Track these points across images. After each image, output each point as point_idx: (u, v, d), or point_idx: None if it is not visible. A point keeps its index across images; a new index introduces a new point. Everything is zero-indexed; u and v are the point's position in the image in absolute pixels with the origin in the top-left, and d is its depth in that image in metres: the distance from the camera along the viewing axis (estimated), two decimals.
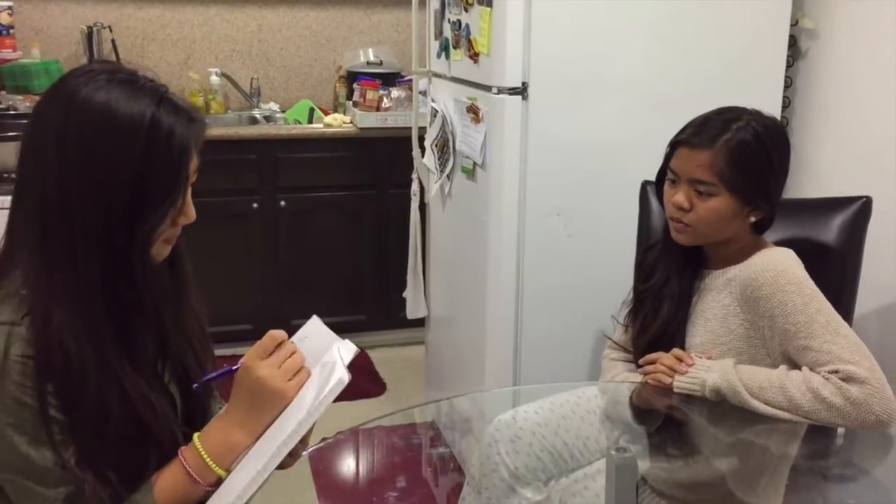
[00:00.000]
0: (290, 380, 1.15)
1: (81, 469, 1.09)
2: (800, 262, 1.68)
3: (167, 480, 1.15)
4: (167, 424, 1.18)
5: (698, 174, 1.65)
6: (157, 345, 1.21)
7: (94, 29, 3.74)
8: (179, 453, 1.15)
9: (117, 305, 1.12)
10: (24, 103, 3.47)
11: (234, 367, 1.20)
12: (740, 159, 1.63)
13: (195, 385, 1.23)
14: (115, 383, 1.10)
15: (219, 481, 1.14)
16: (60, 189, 1.08)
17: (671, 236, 1.75)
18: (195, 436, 1.16)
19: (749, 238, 1.73)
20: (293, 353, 1.17)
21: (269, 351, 1.16)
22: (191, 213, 1.18)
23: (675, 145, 1.71)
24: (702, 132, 1.66)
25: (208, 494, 1.14)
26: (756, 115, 1.68)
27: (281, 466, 1.25)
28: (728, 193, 1.64)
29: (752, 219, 1.70)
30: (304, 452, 1.29)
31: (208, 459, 1.13)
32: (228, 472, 1.14)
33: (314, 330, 1.26)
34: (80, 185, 1.08)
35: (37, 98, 3.44)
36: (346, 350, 1.18)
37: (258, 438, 1.15)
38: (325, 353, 1.19)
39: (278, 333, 1.18)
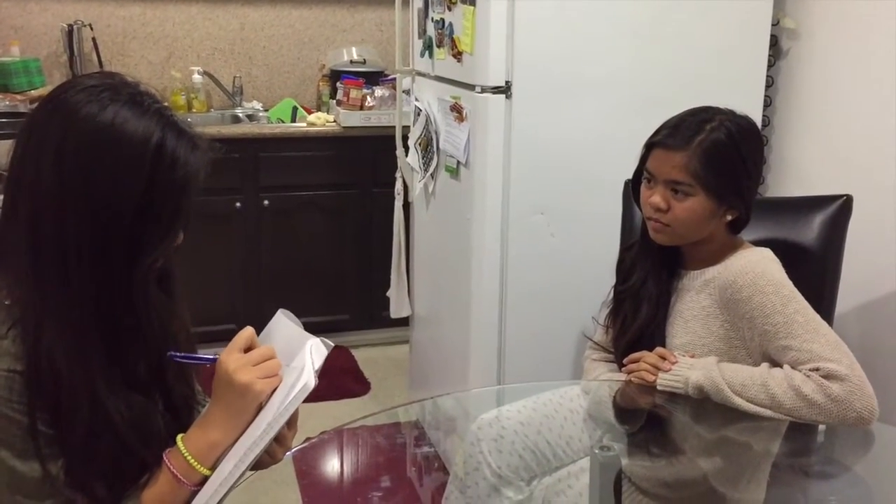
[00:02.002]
0: (264, 379, 1.13)
1: (69, 483, 1.09)
2: (778, 262, 1.69)
3: (153, 484, 1.14)
4: (157, 439, 1.18)
5: (674, 175, 1.66)
6: (148, 360, 1.20)
7: (75, 27, 3.72)
8: (164, 456, 1.15)
9: (110, 323, 1.10)
10: (3, 102, 3.44)
11: (211, 357, 1.19)
12: (715, 159, 1.64)
13: (169, 354, 1.20)
14: (105, 401, 1.09)
15: (204, 480, 1.14)
16: (55, 210, 1.05)
17: (649, 237, 1.76)
18: (178, 437, 1.16)
19: (726, 237, 1.74)
20: (271, 357, 1.15)
21: (245, 347, 1.15)
22: (181, 237, 1.17)
23: (650, 147, 1.72)
24: (676, 133, 1.67)
25: (195, 494, 1.14)
26: (729, 114, 1.70)
27: (260, 466, 1.24)
28: (704, 193, 1.65)
29: (729, 218, 1.71)
30: (288, 453, 1.29)
31: (191, 459, 1.13)
32: (213, 470, 1.14)
33: (282, 326, 1.24)
34: (77, 209, 1.05)
35: (17, 97, 3.49)
36: (317, 352, 1.16)
37: (239, 437, 1.15)
38: (296, 353, 1.16)
39: (250, 330, 1.17)
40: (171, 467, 1.13)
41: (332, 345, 1.18)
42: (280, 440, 1.23)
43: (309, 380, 1.12)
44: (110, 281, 1.08)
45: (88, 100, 1.06)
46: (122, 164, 1.05)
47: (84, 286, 1.07)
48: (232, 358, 1.13)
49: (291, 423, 1.24)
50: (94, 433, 1.09)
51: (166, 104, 1.14)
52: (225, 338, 1.19)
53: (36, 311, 1.06)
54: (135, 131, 1.06)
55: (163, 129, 1.08)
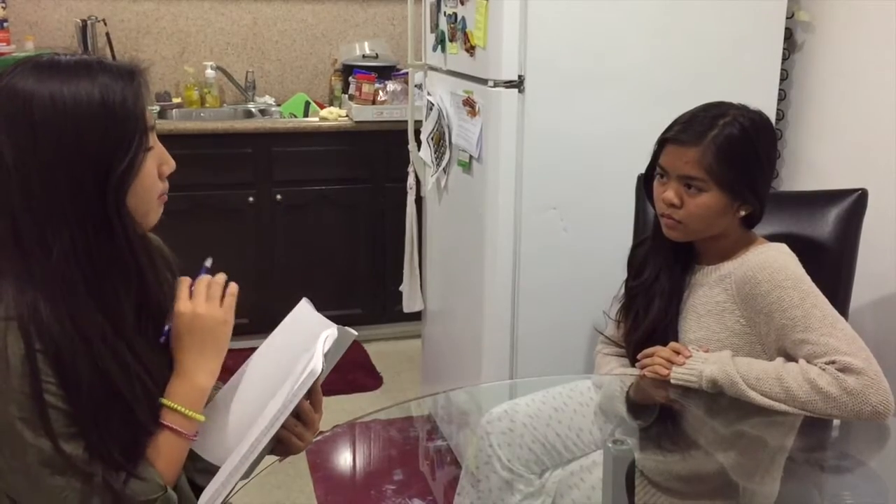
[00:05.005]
0: (222, 303, 1.20)
1: (91, 458, 1.10)
2: (795, 257, 1.68)
3: (157, 447, 1.17)
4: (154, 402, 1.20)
5: (687, 170, 1.66)
6: (140, 309, 1.21)
7: (89, 22, 3.73)
8: (161, 416, 1.19)
9: (99, 281, 1.12)
10: None
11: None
12: (728, 154, 1.64)
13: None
14: (111, 364, 1.12)
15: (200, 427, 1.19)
16: (20, 185, 1.08)
17: (662, 233, 1.75)
18: (162, 401, 1.19)
19: (739, 233, 1.74)
20: (210, 284, 1.22)
21: (188, 294, 1.20)
22: (171, 160, 1.20)
23: (663, 142, 1.72)
24: (689, 129, 1.67)
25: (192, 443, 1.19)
26: (742, 109, 1.69)
27: (292, 451, 1.28)
28: (717, 189, 1.65)
29: (742, 213, 1.70)
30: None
31: (182, 409, 1.17)
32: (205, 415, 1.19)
33: (304, 315, 1.27)
34: (43, 179, 1.07)
35: None
36: (331, 339, 1.19)
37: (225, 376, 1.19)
38: (312, 340, 1.19)
39: (186, 279, 1.23)
40: (168, 423, 1.17)
41: (356, 333, 1.22)
42: (308, 424, 1.27)
43: (316, 365, 1.15)
44: (88, 234, 1.10)
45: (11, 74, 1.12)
46: (74, 135, 1.08)
47: (65, 250, 1.08)
48: (183, 307, 1.19)
49: (318, 406, 1.28)
50: (104, 395, 1.11)
51: (85, 52, 1.16)
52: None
53: (30, 289, 1.08)
54: (75, 89, 1.09)
55: (101, 88, 1.09)
